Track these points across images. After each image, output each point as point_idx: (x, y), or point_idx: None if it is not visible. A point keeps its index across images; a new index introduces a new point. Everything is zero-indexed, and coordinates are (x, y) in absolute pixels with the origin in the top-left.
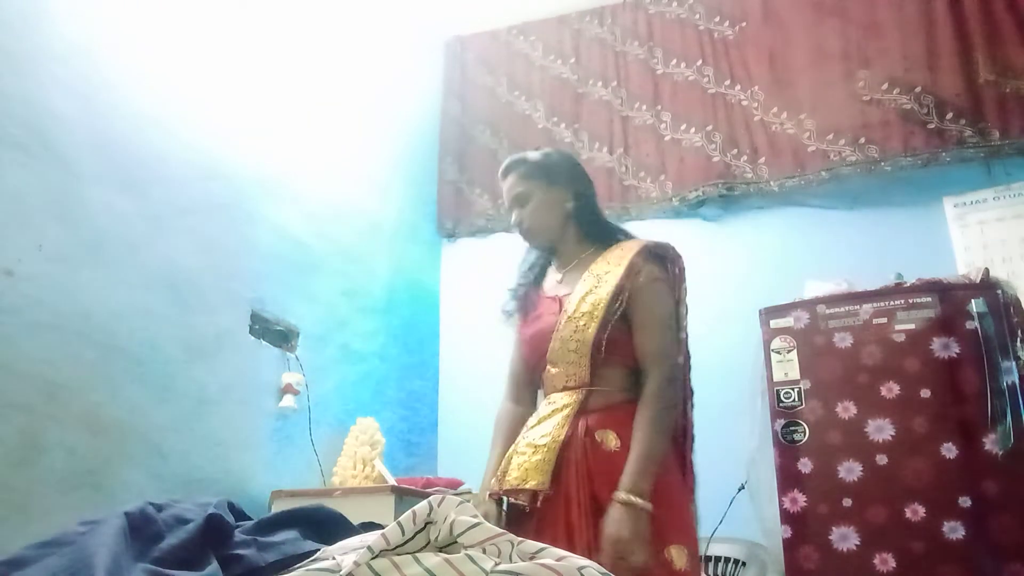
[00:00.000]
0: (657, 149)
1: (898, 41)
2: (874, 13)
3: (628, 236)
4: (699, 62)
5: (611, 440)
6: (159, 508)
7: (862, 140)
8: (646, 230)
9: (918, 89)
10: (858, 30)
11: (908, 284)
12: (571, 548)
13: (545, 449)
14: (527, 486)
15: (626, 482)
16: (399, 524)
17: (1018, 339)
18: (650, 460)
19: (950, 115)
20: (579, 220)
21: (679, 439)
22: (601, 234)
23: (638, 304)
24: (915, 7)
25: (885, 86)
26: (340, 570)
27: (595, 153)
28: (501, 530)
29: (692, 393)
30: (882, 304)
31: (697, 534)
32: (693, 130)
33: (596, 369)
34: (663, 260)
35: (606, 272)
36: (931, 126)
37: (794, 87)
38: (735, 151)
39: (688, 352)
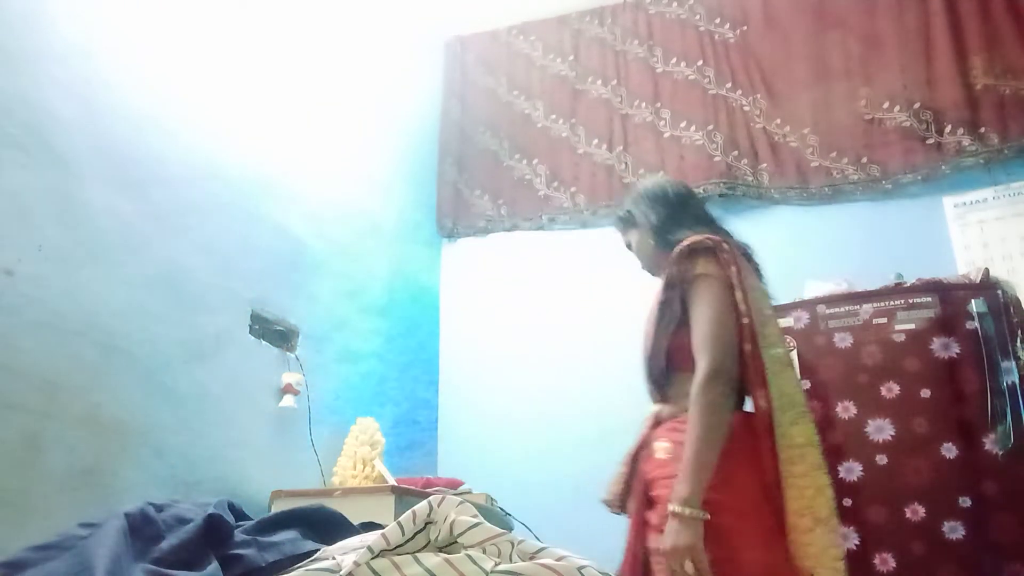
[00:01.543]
0: (656, 146)
1: (897, 54)
2: (874, 24)
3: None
4: (700, 62)
5: (661, 449)
6: (159, 508)
7: (864, 159)
8: None
9: (917, 105)
10: (859, 43)
11: (908, 284)
12: (632, 552)
13: (622, 464)
14: (604, 498)
15: (673, 491)
16: (399, 524)
17: (1018, 339)
18: (693, 466)
19: (948, 127)
20: (661, 245)
21: (762, 434)
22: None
23: (688, 305)
24: (913, 15)
25: (886, 104)
26: (340, 570)
27: (593, 149)
28: (501, 530)
29: (764, 382)
30: (882, 304)
31: (775, 548)
32: (694, 128)
33: (665, 384)
34: (707, 252)
35: (659, 287)
36: (930, 141)
37: (797, 101)
38: (736, 153)
39: (753, 334)
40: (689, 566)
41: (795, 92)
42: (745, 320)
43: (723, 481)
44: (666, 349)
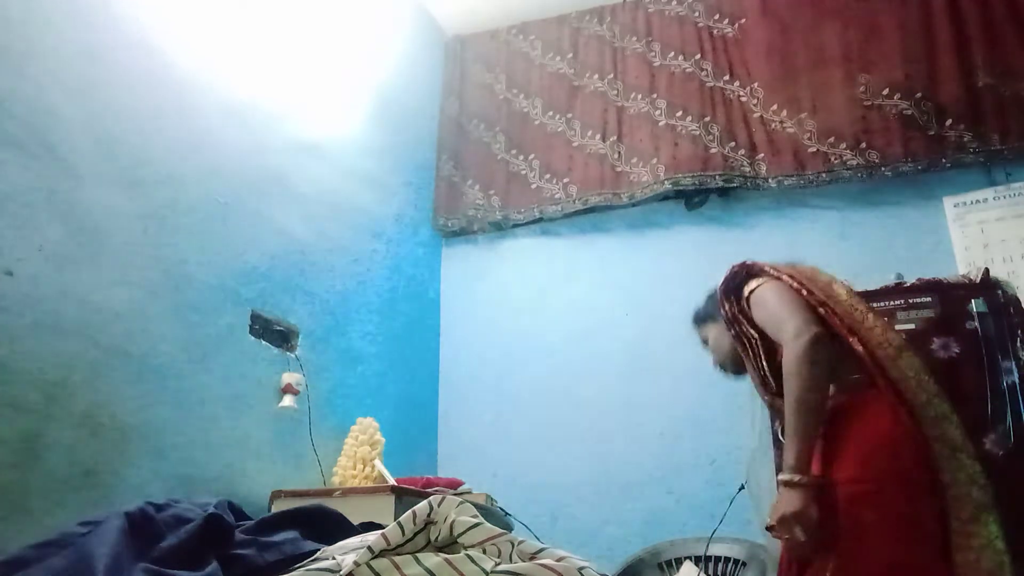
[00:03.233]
0: (651, 135)
1: (898, 45)
2: (874, 16)
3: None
4: (697, 56)
5: None
6: (159, 508)
7: (863, 145)
8: (641, 217)
9: (919, 95)
10: (858, 33)
11: (908, 284)
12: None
13: None
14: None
15: (783, 461)
16: (399, 524)
17: (1018, 339)
18: (794, 428)
19: (949, 121)
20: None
21: (873, 371)
22: None
23: (756, 321)
24: (915, 10)
25: (886, 91)
26: (340, 570)
27: (587, 140)
28: (501, 530)
29: (852, 330)
30: (882, 304)
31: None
32: (690, 118)
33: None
34: (746, 277)
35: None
36: (931, 132)
37: (794, 86)
38: (733, 144)
39: (819, 300)
40: (799, 531)
41: (793, 76)
42: (804, 292)
43: (861, 473)
44: (768, 373)
